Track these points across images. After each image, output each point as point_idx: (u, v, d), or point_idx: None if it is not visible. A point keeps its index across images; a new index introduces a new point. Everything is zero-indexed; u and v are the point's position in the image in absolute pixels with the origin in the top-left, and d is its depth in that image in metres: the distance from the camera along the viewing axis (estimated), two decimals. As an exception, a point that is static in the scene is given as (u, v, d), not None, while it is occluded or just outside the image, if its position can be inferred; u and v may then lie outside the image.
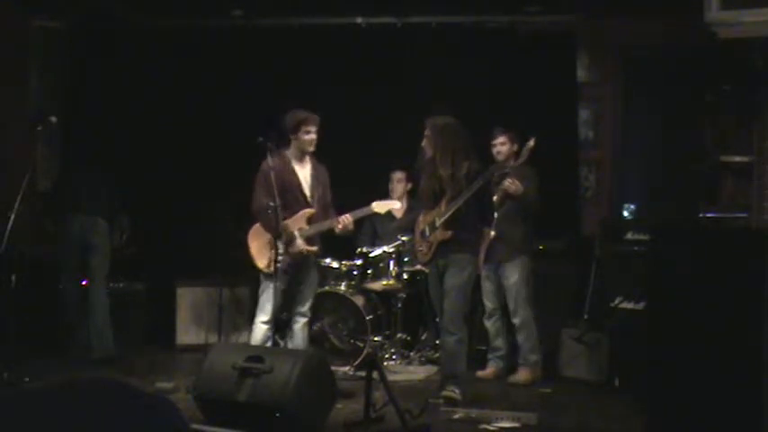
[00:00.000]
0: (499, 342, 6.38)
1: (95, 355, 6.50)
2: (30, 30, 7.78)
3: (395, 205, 5.93)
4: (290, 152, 5.75)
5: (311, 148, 5.71)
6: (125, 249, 6.94)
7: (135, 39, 7.93)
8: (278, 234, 5.47)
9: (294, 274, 5.69)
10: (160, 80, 7.82)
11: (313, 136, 5.67)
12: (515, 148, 6.30)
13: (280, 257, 5.49)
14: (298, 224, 5.66)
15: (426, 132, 5.64)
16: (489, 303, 6.38)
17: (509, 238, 6.17)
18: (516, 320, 6.23)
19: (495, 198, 6.02)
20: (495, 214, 6.04)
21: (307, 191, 5.73)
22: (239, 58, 7.82)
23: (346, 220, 5.65)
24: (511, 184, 6.00)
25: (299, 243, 5.61)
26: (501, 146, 6.31)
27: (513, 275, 6.23)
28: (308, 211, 5.69)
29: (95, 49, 7.82)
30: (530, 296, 6.25)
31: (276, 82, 7.63)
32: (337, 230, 5.70)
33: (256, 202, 5.64)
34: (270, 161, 5.51)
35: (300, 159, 5.75)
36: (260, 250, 5.70)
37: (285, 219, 5.57)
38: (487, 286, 6.36)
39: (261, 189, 5.59)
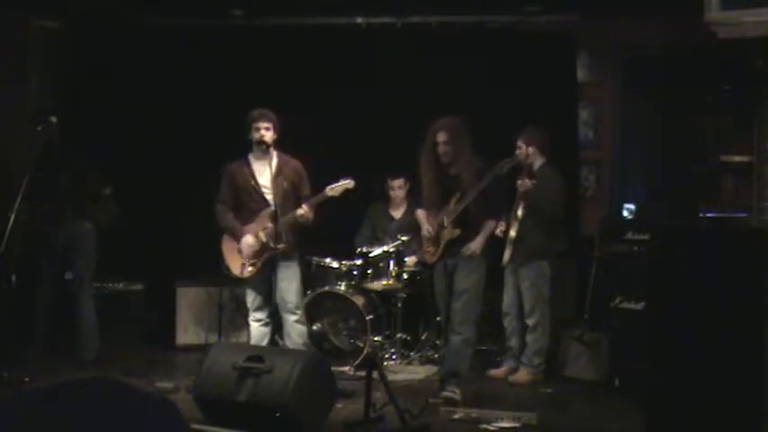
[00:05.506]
0: (513, 342, 6.37)
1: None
2: (30, 30, 7.77)
3: (349, 185, 5.81)
4: (252, 152, 5.75)
5: (262, 145, 5.62)
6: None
7: (135, 39, 7.92)
8: (231, 231, 5.72)
9: (267, 272, 5.72)
10: (160, 80, 7.81)
11: (262, 132, 5.60)
12: (535, 149, 6.26)
13: (250, 260, 5.66)
14: (262, 224, 5.66)
15: (436, 133, 5.59)
16: (505, 303, 6.38)
17: (528, 241, 6.18)
18: (530, 322, 6.23)
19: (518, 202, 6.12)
20: (520, 212, 6.07)
21: (265, 190, 5.69)
22: (239, 58, 7.81)
23: (303, 209, 5.59)
24: (522, 183, 6.02)
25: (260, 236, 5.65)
26: (518, 150, 6.24)
27: (529, 278, 6.22)
28: (268, 209, 5.67)
29: (95, 49, 7.81)
30: (546, 300, 6.24)
31: (276, 82, 7.62)
32: (299, 220, 5.63)
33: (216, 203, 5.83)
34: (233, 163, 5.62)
35: (261, 158, 5.70)
36: (230, 256, 5.81)
37: (247, 221, 5.67)
38: (506, 285, 6.37)
39: (221, 188, 5.79)
